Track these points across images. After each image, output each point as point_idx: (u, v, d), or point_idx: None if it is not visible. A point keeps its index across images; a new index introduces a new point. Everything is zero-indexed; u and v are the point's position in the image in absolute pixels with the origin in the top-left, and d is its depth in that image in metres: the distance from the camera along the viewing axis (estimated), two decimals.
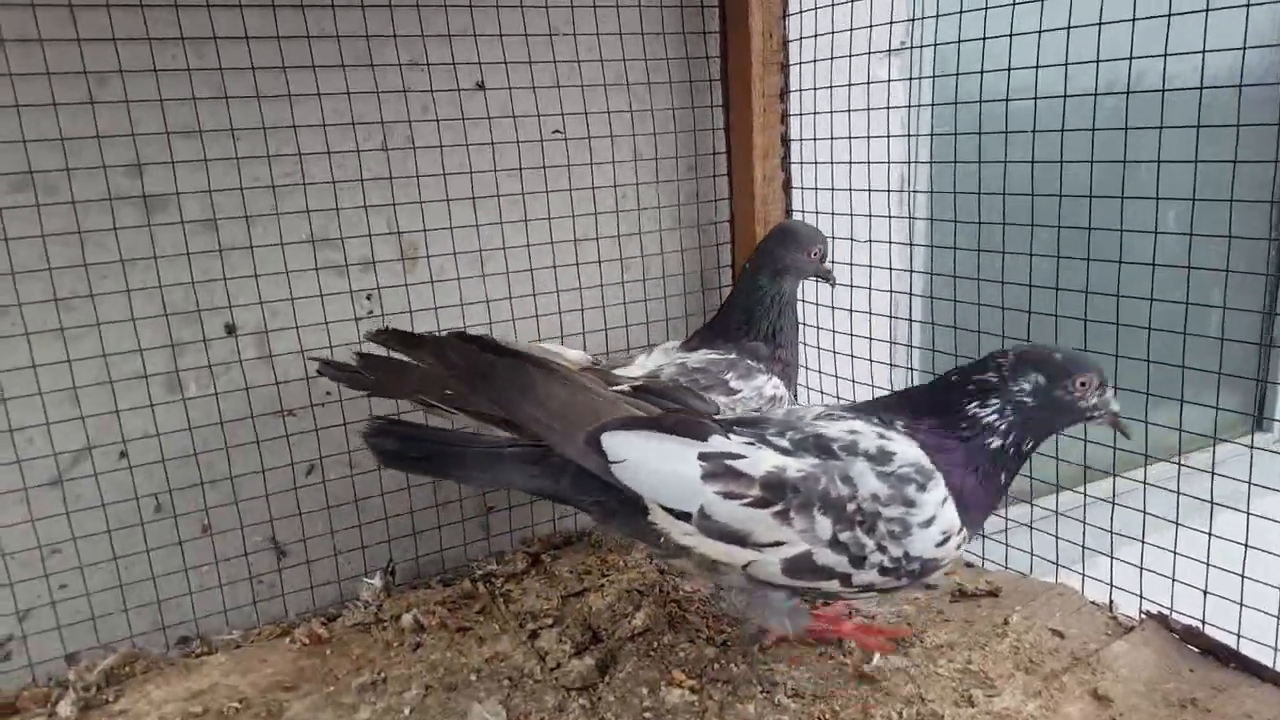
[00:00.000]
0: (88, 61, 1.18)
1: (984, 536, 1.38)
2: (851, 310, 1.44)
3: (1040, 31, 1.15)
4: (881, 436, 0.99)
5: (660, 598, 1.32)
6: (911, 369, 1.57)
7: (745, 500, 0.95)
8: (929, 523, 0.96)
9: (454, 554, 1.53)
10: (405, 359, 1.22)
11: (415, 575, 1.50)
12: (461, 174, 1.44)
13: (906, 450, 0.98)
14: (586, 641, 1.24)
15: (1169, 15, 1.03)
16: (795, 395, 1.42)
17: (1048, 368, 0.99)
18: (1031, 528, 1.33)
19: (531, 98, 1.46)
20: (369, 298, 1.41)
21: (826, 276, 1.42)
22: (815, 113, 1.51)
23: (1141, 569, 1.21)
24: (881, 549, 0.95)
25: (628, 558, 1.46)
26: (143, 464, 1.29)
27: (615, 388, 1.05)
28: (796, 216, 1.60)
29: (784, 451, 0.97)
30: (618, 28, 1.51)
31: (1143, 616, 1.21)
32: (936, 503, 0.96)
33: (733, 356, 1.32)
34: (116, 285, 1.25)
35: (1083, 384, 0.99)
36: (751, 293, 1.37)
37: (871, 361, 1.51)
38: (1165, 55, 1.05)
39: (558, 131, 1.50)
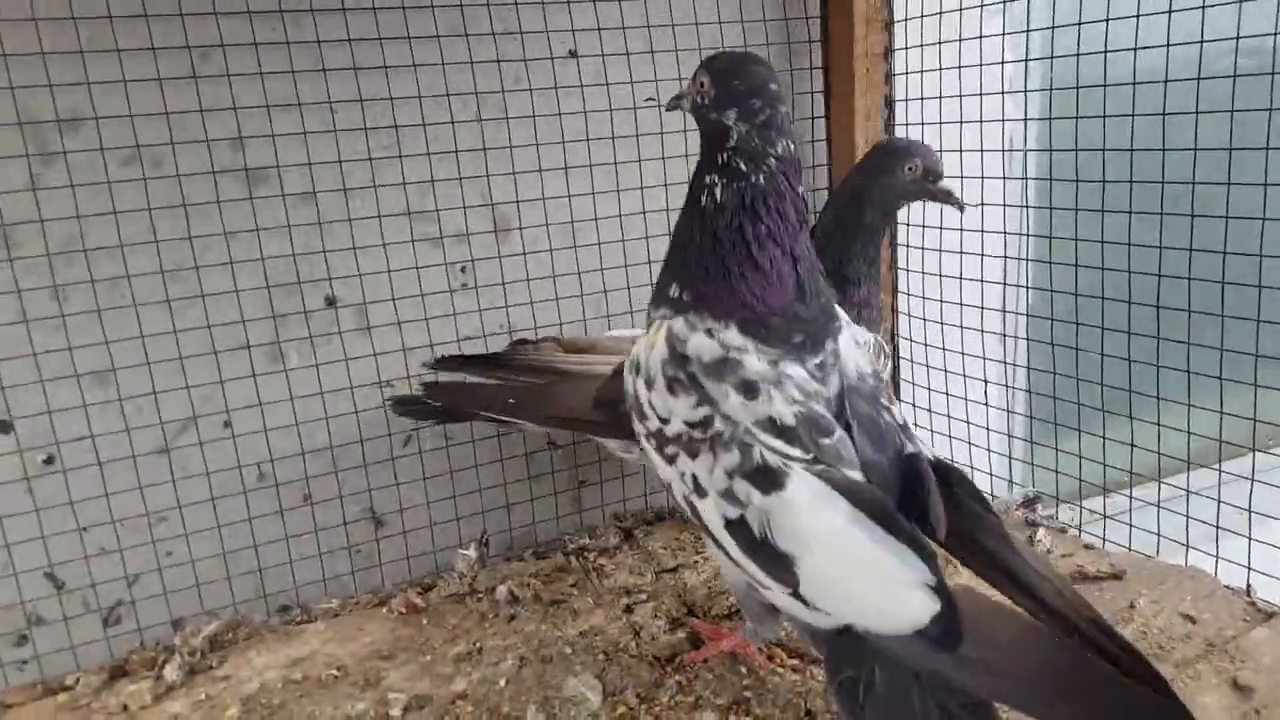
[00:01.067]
0: (190, 36, 1.20)
1: (1106, 518, 1.30)
2: (961, 279, 1.36)
3: None
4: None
5: None
6: (1027, 339, 1.49)
7: None
8: None
9: (546, 527, 1.52)
10: (466, 378, 1.28)
11: (508, 548, 1.49)
12: (554, 144, 1.42)
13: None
14: (682, 617, 1.21)
15: None
16: (893, 341, 1.32)
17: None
18: (1160, 507, 1.24)
19: (625, 64, 1.43)
20: (463, 270, 1.41)
21: (946, 198, 1.12)
22: (922, 71, 1.43)
23: None
24: None
25: None
26: (245, 434, 1.31)
27: None
28: None
29: None
30: None
31: None
32: None
33: None
34: (220, 257, 1.27)
35: None
36: (830, 221, 1.17)
37: (983, 332, 1.43)
38: None
39: (651, 99, 1.46)
